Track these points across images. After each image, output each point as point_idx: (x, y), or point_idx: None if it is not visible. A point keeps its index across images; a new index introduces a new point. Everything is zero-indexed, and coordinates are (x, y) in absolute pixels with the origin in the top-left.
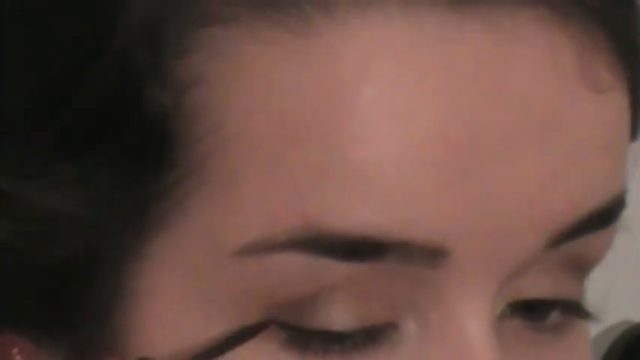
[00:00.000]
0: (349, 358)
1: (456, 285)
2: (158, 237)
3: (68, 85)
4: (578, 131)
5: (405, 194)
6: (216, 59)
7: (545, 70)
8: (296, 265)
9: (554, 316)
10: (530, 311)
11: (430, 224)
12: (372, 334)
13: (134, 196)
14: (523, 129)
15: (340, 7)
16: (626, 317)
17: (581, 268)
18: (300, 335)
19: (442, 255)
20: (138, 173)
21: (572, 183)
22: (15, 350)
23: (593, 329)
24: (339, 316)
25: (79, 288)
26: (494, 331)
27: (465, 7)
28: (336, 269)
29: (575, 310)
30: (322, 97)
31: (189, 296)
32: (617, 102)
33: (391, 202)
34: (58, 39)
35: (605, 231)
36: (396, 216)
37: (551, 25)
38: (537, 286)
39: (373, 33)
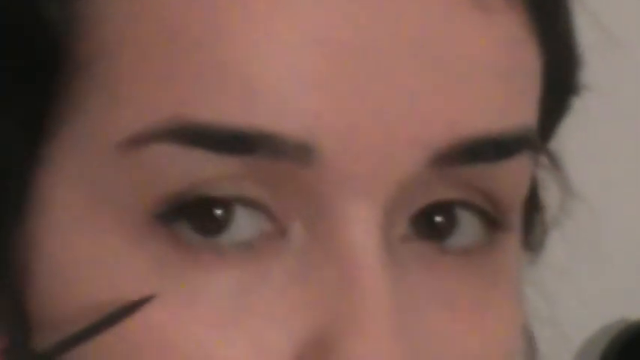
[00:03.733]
0: (233, 264)
1: (335, 189)
2: (52, 142)
3: None
4: (462, 48)
5: (273, 90)
6: None
7: None
8: (171, 156)
9: (466, 237)
10: (441, 233)
11: (296, 120)
12: (259, 239)
13: (28, 101)
14: (401, 39)
15: None
16: (622, 316)
17: (492, 203)
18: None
19: (309, 150)
20: (30, 77)
21: (453, 101)
22: None
23: (590, 328)
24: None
25: None
26: (384, 242)
27: None
28: (210, 163)
29: (486, 214)
30: None
31: (81, 202)
32: (511, 29)
33: (257, 97)
34: None
35: (503, 165)
36: (262, 110)
37: None
38: (442, 194)
39: None
